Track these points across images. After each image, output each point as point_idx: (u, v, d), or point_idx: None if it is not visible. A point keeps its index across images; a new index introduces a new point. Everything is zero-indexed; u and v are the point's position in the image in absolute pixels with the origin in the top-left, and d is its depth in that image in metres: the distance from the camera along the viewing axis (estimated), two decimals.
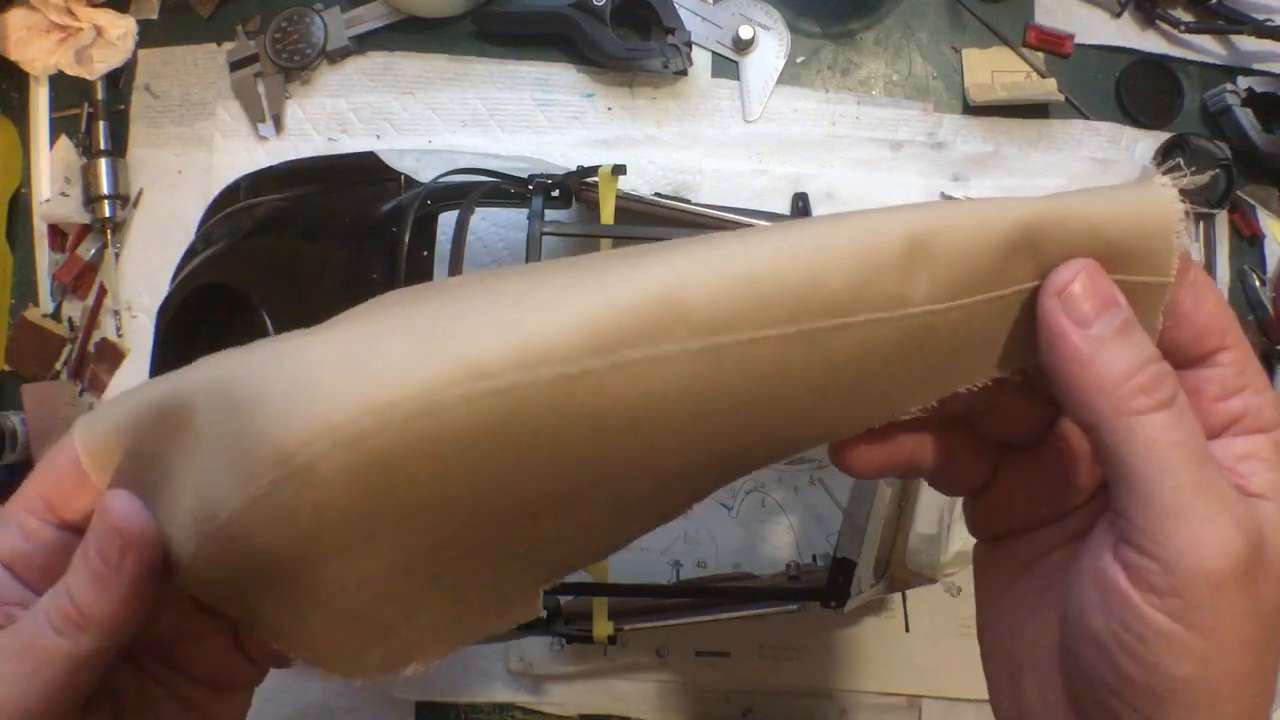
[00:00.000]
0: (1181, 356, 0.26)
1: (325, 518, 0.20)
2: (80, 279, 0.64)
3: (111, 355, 0.63)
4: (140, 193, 0.64)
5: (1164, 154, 0.65)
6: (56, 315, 0.64)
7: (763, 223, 0.51)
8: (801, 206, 0.63)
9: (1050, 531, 0.29)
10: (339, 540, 0.21)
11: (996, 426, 0.29)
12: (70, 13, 0.62)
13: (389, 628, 0.24)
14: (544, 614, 0.25)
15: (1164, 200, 0.25)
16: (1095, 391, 0.24)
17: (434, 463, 0.20)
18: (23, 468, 0.61)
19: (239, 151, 0.64)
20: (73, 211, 0.64)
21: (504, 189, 0.52)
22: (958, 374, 0.26)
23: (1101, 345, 0.24)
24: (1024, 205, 0.24)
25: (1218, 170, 0.63)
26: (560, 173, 0.53)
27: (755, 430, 0.24)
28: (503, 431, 0.20)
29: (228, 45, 0.64)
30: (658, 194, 0.55)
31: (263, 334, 0.49)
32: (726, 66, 0.65)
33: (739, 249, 0.23)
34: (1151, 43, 0.66)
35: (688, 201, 0.54)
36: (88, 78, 0.63)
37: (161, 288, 0.56)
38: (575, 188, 0.52)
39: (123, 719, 0.26)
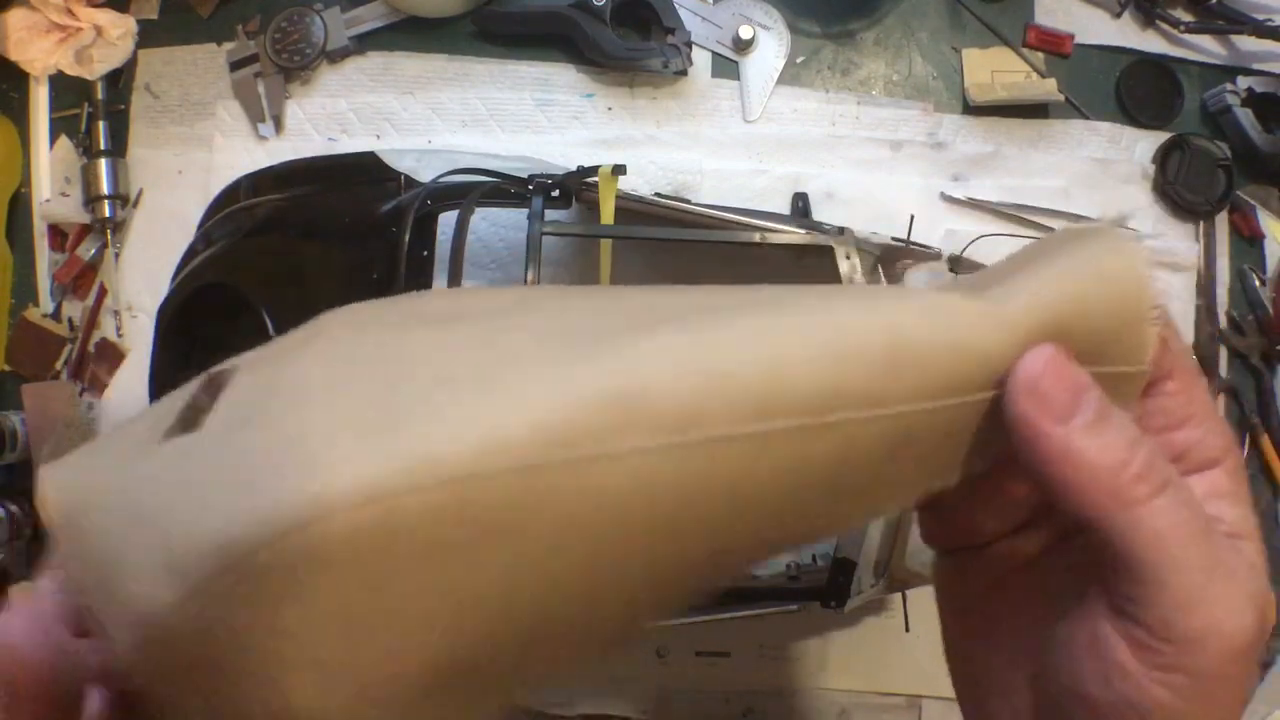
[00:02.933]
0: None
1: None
2: (80, 279, 0.64)
3: (111, 355, 0.63)
4: (140, 193, 0.64)
5: (1164, 154, 0.65)
6: (56, 315, 0.64)
7: (769, 223, 0.51)
8: (801, 206, 0.63)
9: (1009, 547, 0.28)
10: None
11: None
12: (70, 13, 0.62)
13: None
14: None
15: (1137, 285, 0.23)
16: (1089, 488, 0.22)
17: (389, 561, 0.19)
18: (23, 467, 0.61)
19: (239, 151, 0.64)
20: (73, 211, 0.64)
21: (504, 189, 0.52)
22: (934, 474, 0.25)
23: (1086, 438, 0.22)
24: (1008, 310, 0.23)
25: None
26: (560, 173, 0.53)
27: (725, 535, 0.22)
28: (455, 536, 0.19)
29: (228, 45, 0.64)
30: (658, 194, 0.55)
31: (263, 334, 0.49)
32: (726, 66, 0.65)
33: (709, 339, 0.21)
34: (1151, 43, 0.66)
35: (688, 201, 0.54)
36: (88, 78, 0.63)
37: (161, 288, 0.56)
38: (575, 188, 0.52)
39: None
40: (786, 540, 0.24)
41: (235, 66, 0.64)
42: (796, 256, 0.53)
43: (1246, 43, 0.66)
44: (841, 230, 0.51)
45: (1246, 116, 0.64)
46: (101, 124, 0.64)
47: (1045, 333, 0.23)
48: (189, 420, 0.21)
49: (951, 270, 0.56)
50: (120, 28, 0.63)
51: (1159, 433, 0.25)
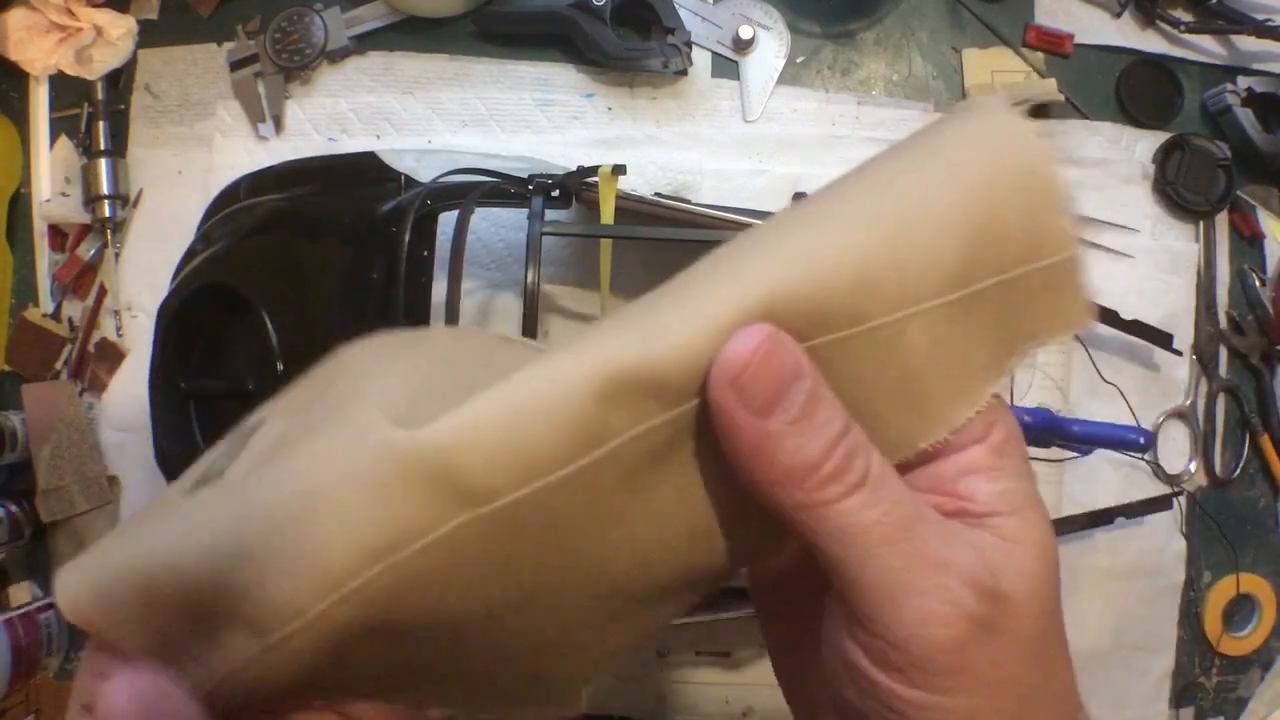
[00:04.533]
0: None
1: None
2: (80, 279, 0.64)
3: (111, 355, 0.63)
4: (140, 193, 0.64)
5: (1164, 154, 0.65)
6: (56, 315, 0.64)
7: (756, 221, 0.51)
8: None
9: (812, 571, 0.27)
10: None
11: None
12: (70, 13, 0.62)
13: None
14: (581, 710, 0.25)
15: (1038, 167, 0.22)
16: (779, 486, 0.21)
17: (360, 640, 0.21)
18: (23, 467, 0.61)
19: (239, 151, 0.64)
20: (73, 211, 0.64)
21: (504, 189, 0.52)
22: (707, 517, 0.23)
23: (783, 437, 0.21)
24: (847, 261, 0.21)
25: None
26: (560, 173, 0.53)
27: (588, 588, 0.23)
28: (378, 619, 0.21)
29: (228, 45, 0.64)
30: (658, 194, 0.55)
31: (263, 334, 0.49)
32: (726, 66, 0.65)
33: (497, 398, 0.21)
34: (1151, 43, 0.66)
35: (688, 201, 0.54)
36: (88, 78, 0.63)
37: (161, 288, 0.56)
38: (575, 188, 0.52)
39: None
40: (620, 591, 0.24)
41: (235, 66, 0.64)
42: None
43: (1246, 43, 0.66)
44: None
45: (1246, 116, 0.64)
46: (101, 124, 0.64)
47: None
48: (216, 472, 0.23)
49: None
50: (120, 28, 0.63)
51: None
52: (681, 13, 0.62)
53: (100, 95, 0.64)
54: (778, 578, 0.28)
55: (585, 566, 0.23)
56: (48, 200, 0.64)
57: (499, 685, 0.25)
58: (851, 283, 0.22)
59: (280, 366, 0.48)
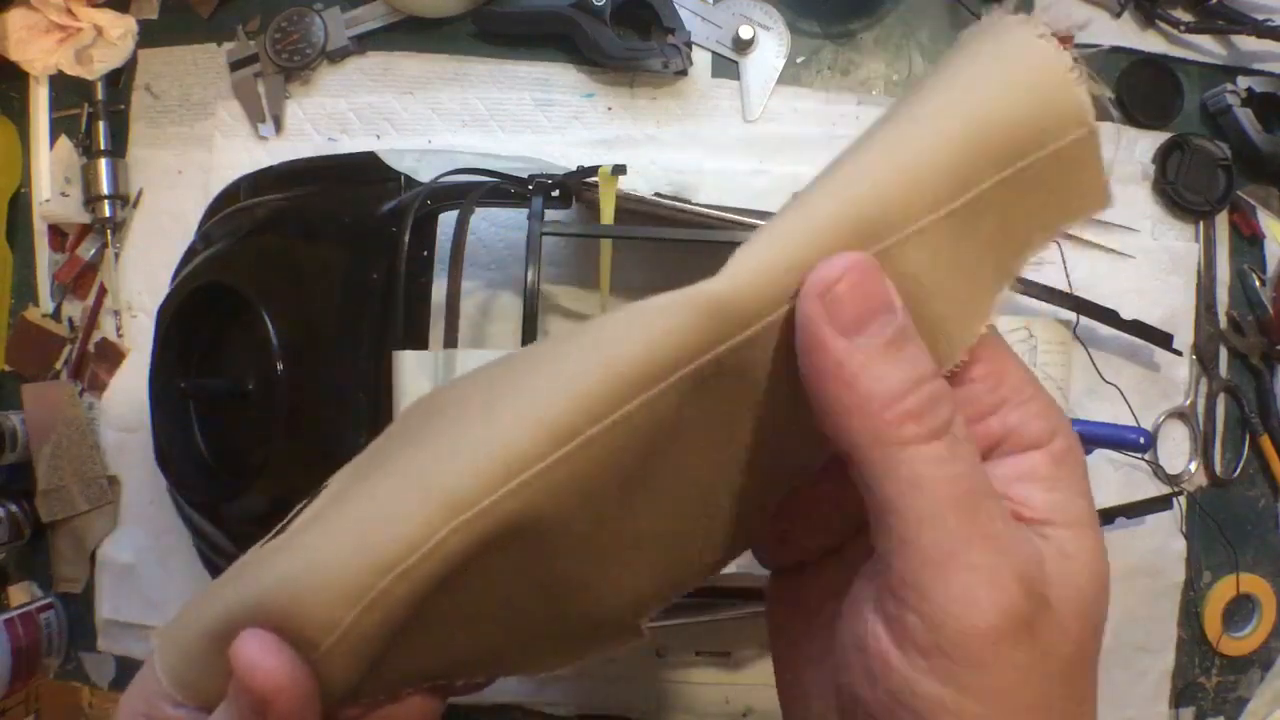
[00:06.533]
0: None
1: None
2: (80, 279, 0.64)
3: (111, 355, 0.63)
4: (140, 193, 0.64)
5: (1164, 154, 0.65)
6: (56, 315, 0.64)
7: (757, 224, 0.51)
8: None
9: (833, 568, 0.26)
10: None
11: None
12: (70, 13, 0.62)
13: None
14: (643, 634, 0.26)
15: (1043, 57, 0.21)
16: (856, 414, 0.20)
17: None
18: (23, 468, 0.61)
19: (239, 151, 0.64)
20: (73, 211, 0.64)
21: (504, 189, 0.52)
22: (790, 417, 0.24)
23: (868, 360, 0.20)
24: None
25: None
26: (560, 173, 0.53)
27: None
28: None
29: (228, 45, 0.64)
30: (658, 194, 0.55)
31: (263, 334, 0.49)
32: (726, 66, 0.65)
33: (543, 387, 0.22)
34: (1151, 43, 0.66)
35: (688, 201, 0.54)
36: (88, 78, 0.63)
37: (161, 288, 0.56)
38: (575, 188, 0.52)
39: None
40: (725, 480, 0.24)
41: (235, 66, 0.64)
42: None
43: (1246, 43, 0.66)
44: None
45: (1246, 116, 0.64)
46: (101, 124, 0.64)
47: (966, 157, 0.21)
48: (284, 529, 0.24)
49: None
50: (120, 28, 0.63)
51: (970, 423, 0.22)
52: (681, 13, 0.62)
53: (100, 95, 0.64)
54: (799, 566, 0.27)
55: (654, 487, 0.23)
56: (48, 200, 0.64)
57: (561, 630, 0.25)
58: (868, 203, 0.21)
59: (280, 366, 0.48)
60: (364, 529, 0.21)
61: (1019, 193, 0.21)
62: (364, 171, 0.57)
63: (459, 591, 0.22)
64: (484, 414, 0.22)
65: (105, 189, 0.62)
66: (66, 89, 0.65)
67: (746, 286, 0.21)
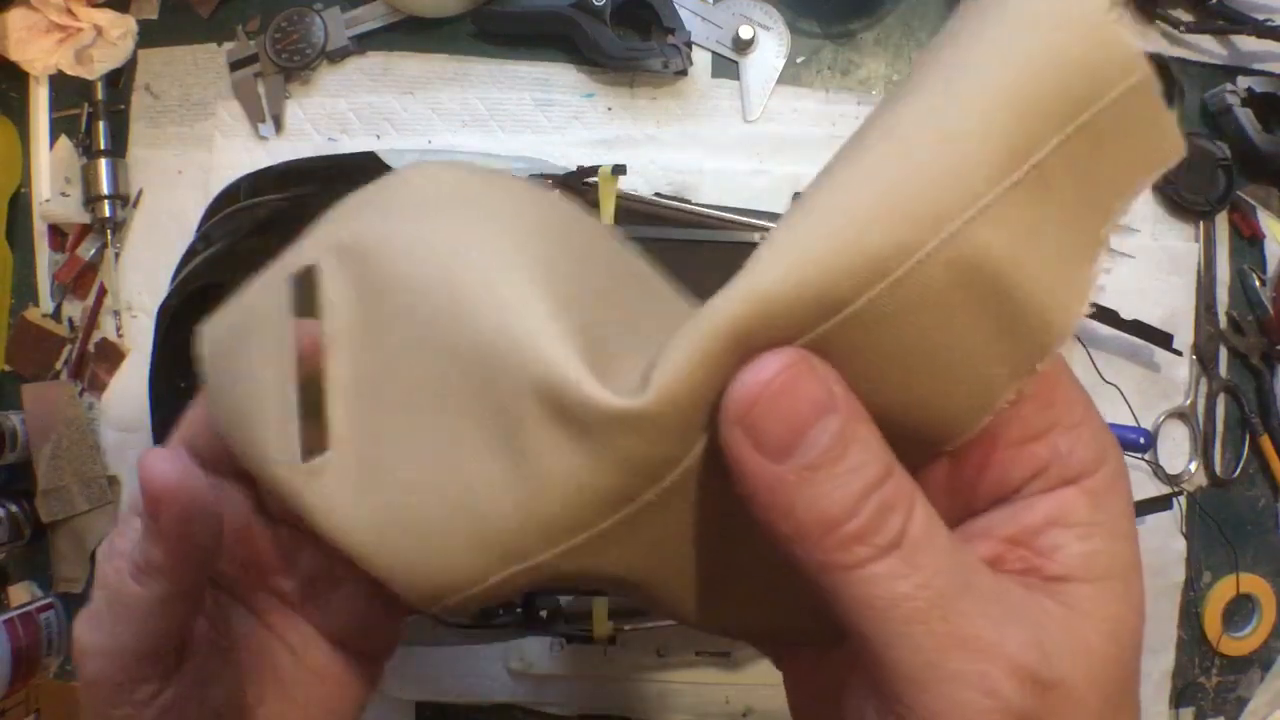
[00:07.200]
0: None
1: None
2: (80, 279, 0.64)
3: (111, 355, 0.63)
4: (140, 193, 0.64)
5: None
6: (56, 315, 0.64)
7: (769, 223, 0.51)
8: None
9: (840, 652, 0.24)
10: None
11: None
12: (70, 13, 0.62)
13: None
14: None
15: (1076, 5, 0.18)
16: (797, 543, 0.18)
17: None
18: (23, 468, 0.61)
19: (239, 151, 0.64)
20: (73, 211, 0.64)
21: None
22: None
23: (802, 483, 0.18)
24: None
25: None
26: (560, 173, 0.53)
27: None
28: None
29: (228, 45, 0.64)
30: (658, 194, 0.55)
31: None
32: (726, 66, 0.65)
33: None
34: (1151, 43, 0.66)
35: (688, 201, 0.54)
36: (88, 78, 0.63)
37: (161, 288, 0.56)
38: (575, 188, 0.52)
39: (237, 677, 0.27)
40: None
41: (235, 66, 0.64)
42: None
43: (1246, 43, 0.66)
44: None
45: (1246, 116, 0.64)
46: (101, 124, 0.64)
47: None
48: None
49: None
50: (120, 28, 0.63)
51: (1013, 446, 0.21)
52: (681, 13, 0.62)
53: (100, 95, 0.64)
54: (812, 667, 0.26)
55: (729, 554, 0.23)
56: (48, 200, 0.64)
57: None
58: (872, 218, 0.17)
59: None
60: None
61: (1087, 152, 0.19)
62: (364, 171, 0.57)
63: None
64: None
65: (105, 189, 0.62)
66: (66, 89, 0.65)
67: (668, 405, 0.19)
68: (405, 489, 0.22)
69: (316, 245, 0.25)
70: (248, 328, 0.25)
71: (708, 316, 0.19)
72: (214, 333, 0.26)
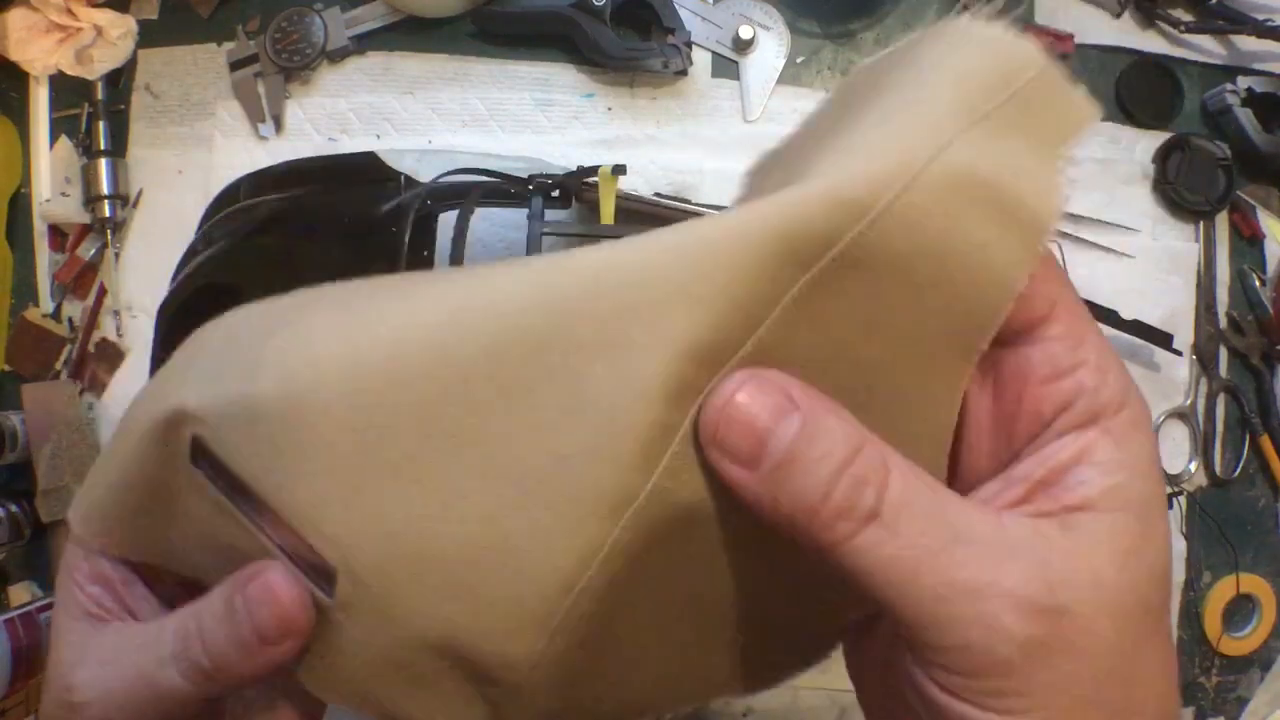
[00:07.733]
0: (1001, 331, 0.22)
1: None
2: (80, 279, 0.64)
3: (111, 355, 0.63)
4: (140, 193, 0.64)
5: (1164, 154, 0.65)
6: (56, 315, 0.64)
7: None
8: None
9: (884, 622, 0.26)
10: None
11: None
12: (70, 13, 0.62)
13: None
14: None
15: (981, 30, 0.23)
16: (790, 529, 0.21)
17: None
18: (23, 468, 0.61)
19: (239, 151, 0.64)
20: (73, 211, 0.64)
21: (504, 189, 0.52)
22: None
23: (779, 480, 0.20)
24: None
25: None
26: (560, 173, 0.53)
27: None
28: None
29: (228, 45, 0.64)
30: (658, 194, 0.55)
31: None
32: (726, 66, 0.65)
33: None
34: (1151, 43, 0.66)
35: (688, 201, 0.54)
36: (88, 78, 0.63)
37: (161, 288, 0.56)
38: (575, 188, 0.52)
39: None
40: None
41: (235, 66, 0.64)
42: None
43: (1246, 43, 0.66)
44: None
45: (1246, 116, 0.64)
46: (101, 124, 0.64)
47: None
48: None
49: None
50: (120, 28, 0.63)
51: (1042, 384, 0.22)
52: (681, 13, 0.62)
53: (100, 95, 0.64)
54: (869, 642, 0.27)
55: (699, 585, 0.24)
56: (48, 200, 0.64)
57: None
58: (877, 153, 0.21)
59: None
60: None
61: (1020, 113, 0.22)
62: (364, 171, 0.57)
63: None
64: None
65: (105, 189, 0.62)
66: (66, 89, 0.65)
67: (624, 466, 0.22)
68: None
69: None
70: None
71: (756, 225, 0.21)
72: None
